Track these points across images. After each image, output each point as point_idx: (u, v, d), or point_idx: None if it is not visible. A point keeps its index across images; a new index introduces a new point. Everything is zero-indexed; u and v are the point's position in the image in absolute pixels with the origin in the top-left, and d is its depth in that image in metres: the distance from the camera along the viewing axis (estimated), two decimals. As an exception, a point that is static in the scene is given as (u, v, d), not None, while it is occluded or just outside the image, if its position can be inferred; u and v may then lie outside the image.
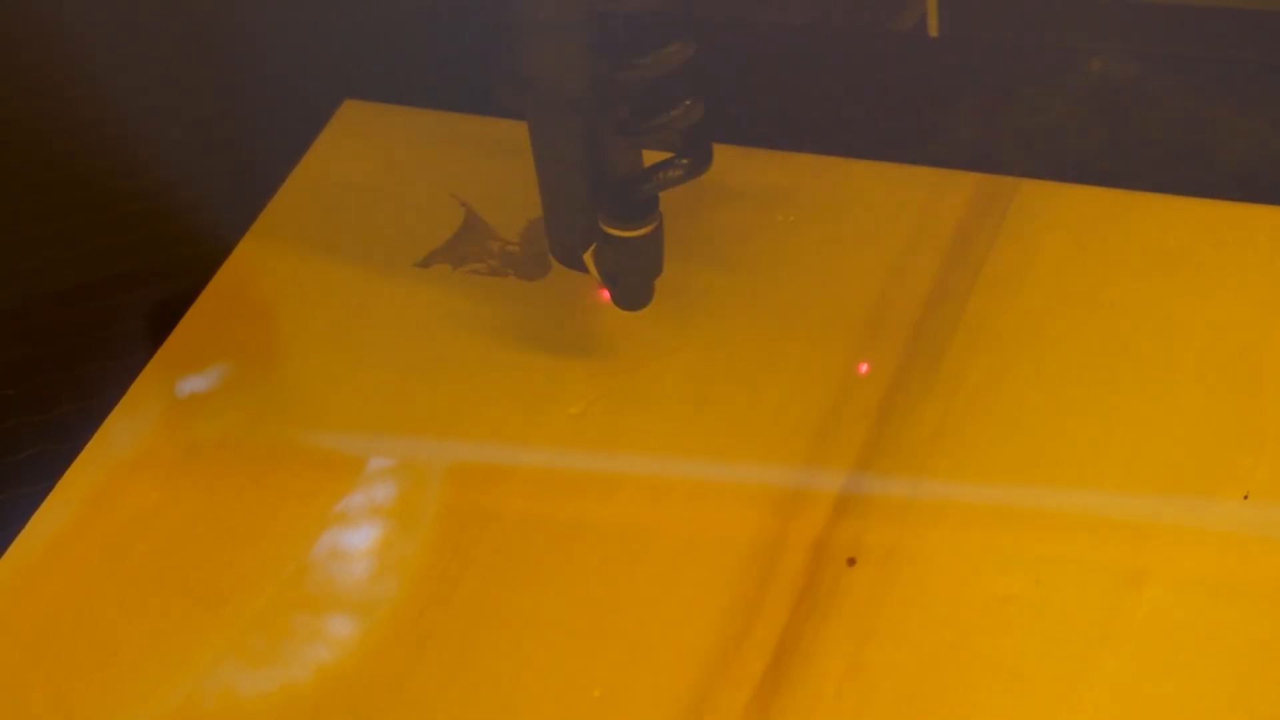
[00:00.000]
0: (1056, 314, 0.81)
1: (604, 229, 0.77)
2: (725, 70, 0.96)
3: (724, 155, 0.86)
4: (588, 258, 0.79)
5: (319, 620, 0.74)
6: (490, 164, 0.93)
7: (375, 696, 0.71)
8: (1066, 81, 0.94)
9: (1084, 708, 0.67)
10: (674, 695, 0.69)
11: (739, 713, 0.68)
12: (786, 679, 0.69)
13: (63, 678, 0.73)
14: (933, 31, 0.97)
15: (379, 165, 0.95)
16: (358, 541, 0.77)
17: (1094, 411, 0.77)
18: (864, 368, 0.80)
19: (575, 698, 0.70)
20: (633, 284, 0.80)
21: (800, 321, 0.83)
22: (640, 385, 0.81)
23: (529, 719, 0.70)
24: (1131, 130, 0.91)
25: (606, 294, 0.81)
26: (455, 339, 0.85)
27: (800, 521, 0.74)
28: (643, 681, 0.70)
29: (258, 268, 0.90)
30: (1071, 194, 0.87)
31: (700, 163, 0.78)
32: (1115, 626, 0.69)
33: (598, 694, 0.70)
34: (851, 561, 0.73)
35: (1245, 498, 0.73)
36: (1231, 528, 0.72)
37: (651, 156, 0.78)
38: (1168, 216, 0.85)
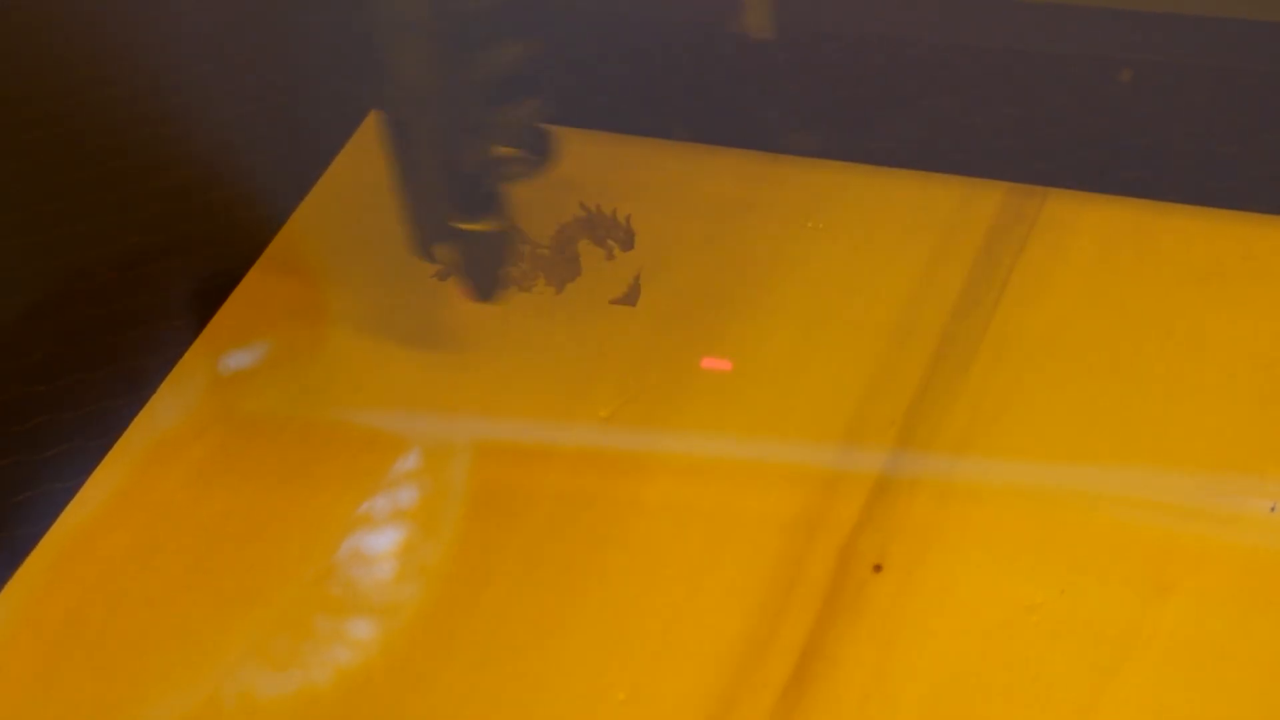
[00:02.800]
0: (1084, 324, 0.81)
1: (452, 224, 0.79)
2: (747, 78, 0.97)
3: (753, 162, 0.86)
4: (440, 250, 0.81)
5: (345, 620, 0.75)
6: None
7: (398, 696, 0.71)
8: (1097, 91, 0.94)
9: (1108, 719, 0.67)
10: (698, 699, 0.69)
11: (763, 718, 0.69)
12: (811, 685, 0.69)
13: (88, 673, 0.74)
14: (766, 33, 0.96)
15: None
16: (386, 541, 0.77)
17: (1120, 422, 0.77)
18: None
19: (600, 700, 0.70)
20: (482, 277, 0.82)
21: (828, 329, 0.83)
22: (668, 391, 0.81)
23: (553, 721, 0.70)
24: (1160, 140, 0.91)
25: (461, 288, 0.83)
26: (486, 340, 0.85)
27: (826, 528, 0.74)
28: (667, 685, 0.70)
29: (274, 285, 0.90)
30: (1100, 204, 0.87)
31: (541, 160, 0.79)
32: (1140, 637, 0.69)
33: (622, 697, 0.70)
34: (877, 568, 0.73)
35: (1273, 509, 0.73)
36: (1258, 539, 0.72)
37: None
38: (1196, 228, 0.85)
